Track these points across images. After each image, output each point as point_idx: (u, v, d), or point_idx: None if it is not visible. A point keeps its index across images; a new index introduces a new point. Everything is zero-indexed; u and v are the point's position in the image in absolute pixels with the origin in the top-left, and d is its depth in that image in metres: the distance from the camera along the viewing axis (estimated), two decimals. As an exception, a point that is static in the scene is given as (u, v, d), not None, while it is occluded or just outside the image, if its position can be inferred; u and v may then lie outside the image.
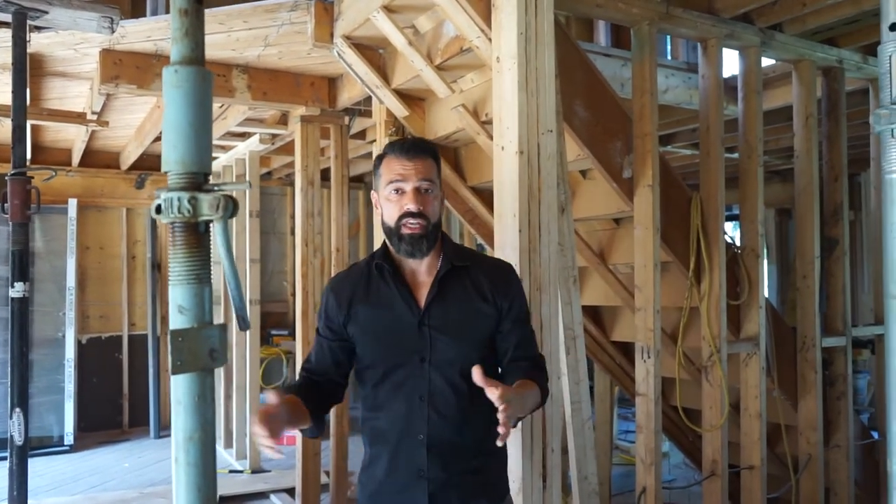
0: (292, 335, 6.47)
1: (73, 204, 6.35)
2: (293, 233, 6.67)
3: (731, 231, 6.91)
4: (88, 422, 6.58)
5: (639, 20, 2.85)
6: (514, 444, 2.12)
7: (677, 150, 5.40)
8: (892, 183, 1.46)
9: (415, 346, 1.61)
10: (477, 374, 1.42)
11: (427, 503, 1.59)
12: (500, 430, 1.40)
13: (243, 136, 5.42)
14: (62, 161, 6.34)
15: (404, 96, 3.38)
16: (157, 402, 6.60)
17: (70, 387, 6.24)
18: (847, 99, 3.57)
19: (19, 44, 2.89)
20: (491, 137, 2.71)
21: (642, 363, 2.91)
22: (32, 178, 2.93)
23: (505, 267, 1.77)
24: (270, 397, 1.45)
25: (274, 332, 7.14)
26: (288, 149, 5.37)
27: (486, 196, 3.57)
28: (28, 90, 3.13)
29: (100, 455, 6.03)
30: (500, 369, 1.70)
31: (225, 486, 4.94)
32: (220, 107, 4.70)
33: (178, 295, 1.10)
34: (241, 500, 4.86)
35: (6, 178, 2.90)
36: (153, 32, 3.33)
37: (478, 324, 1.64)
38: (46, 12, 2.87)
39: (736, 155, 3.31)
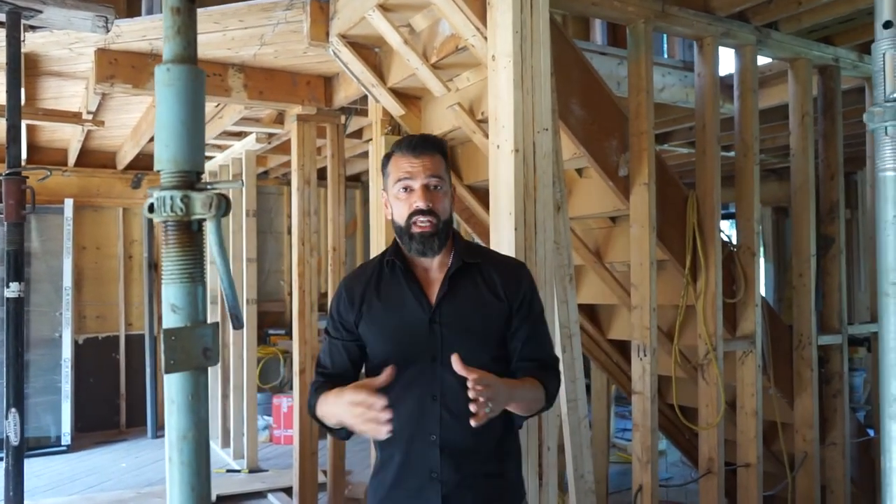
0: (289, 334, 6.47)
1: (69, 204, 6.34)
2: (290, 232, 6.68)
3: (728, 229, 6.92)
4: (85, 422, 6.57)
5: (635, 18, 2.85)
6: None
7: (673, 148, 5.40)
8: (885, 180, 1.46)
9: (425, 344, 1.57)
10: (456, 363, 1.39)
11: None
12: (472, 407, 1.36)
13: (239, 135, 5.41)
14: (58, 161, 6.33)
15: (400, 95, 3.38)
16: (154, 402, 6.60)
17: (67, 387, 6.24)
18: (843, 97, 3.58)
19: (14, 43, 2.89)
20: (487, 136, 2.71)
21: (639, 361, 2.92)
22: (27, 178, 2.94)
23: (517, 264, 1.75)
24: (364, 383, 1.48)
25: (271, 331, 7.14)
26: (284, 148, 5.36)
27: (481, 194, 3.58)
28: (23, 90, 3.12)
29: (97, 455, 6.02)
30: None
31: (222, 486, 4.93)
32: (217, 106, 4.70)
33: (171, 294, 1.10)
34: (238, 499, 4.86)
35: (1, 178, 2.90)
36: (148, 32, 3.33)
37: (489, 321, 1.61)
38: (41, 12, 2.87)
39: (732, 153, 3.32)
